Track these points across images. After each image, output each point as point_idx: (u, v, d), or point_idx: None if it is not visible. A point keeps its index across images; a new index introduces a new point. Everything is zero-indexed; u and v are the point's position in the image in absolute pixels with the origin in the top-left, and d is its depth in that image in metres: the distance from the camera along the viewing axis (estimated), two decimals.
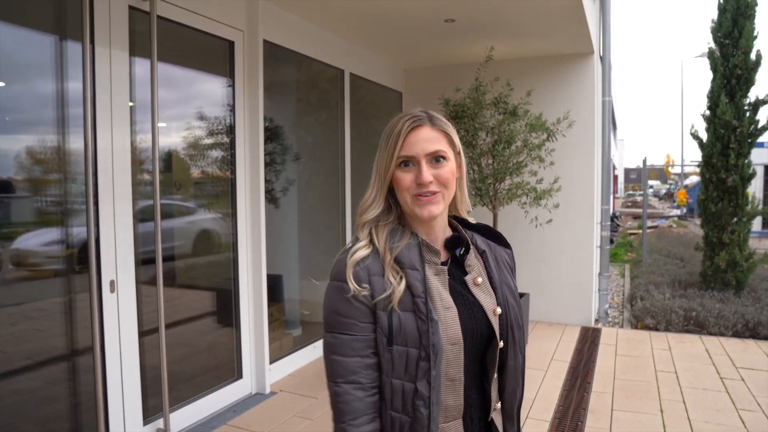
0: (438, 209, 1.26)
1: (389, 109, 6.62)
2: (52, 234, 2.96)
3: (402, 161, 1.25)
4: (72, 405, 3.01)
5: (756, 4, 7.09)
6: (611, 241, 13.03)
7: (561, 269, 6.06)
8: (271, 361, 4.29)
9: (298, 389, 4.28)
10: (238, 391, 4.04)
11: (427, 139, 1.25)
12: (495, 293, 1.31)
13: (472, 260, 1.33)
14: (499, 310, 1.29)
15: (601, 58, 6.35)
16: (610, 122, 6.51)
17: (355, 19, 4.84)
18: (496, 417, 1.33)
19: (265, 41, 4.21)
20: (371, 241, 1.26)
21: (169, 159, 3.75)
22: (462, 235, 1.35)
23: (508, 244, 1.45)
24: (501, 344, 1.29)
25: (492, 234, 1.41)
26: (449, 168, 1.27)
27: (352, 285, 1.19)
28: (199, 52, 3.95)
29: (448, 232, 1.35)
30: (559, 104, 5.82)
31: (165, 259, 3.43)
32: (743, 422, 3.80)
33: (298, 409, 3.93)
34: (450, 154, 1.28)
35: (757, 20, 7.11)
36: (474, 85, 4.88)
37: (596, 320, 6.27)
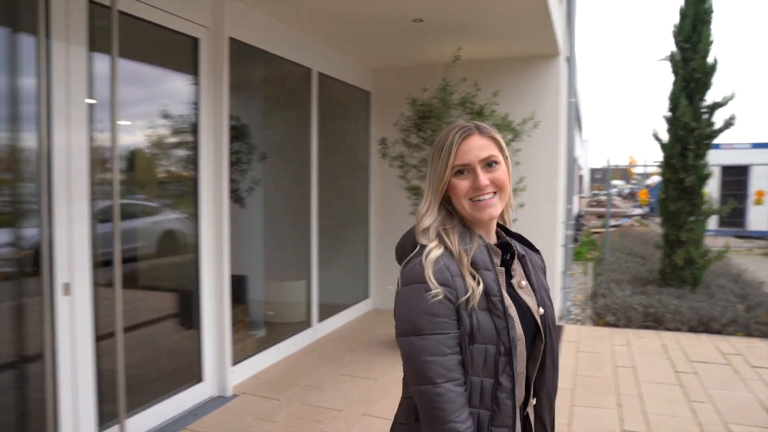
0: (497, 210, 1.35)
1: (357, 109, 6.62)
2: (2, 236, 2.87)
3: (458, 170, 1.33)
4: (20, 414, 2.92)
5: (712, 11, 7.30)
6: (575, 240, 13.29)
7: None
8: (234, 363, 4.25)
9: (261, 391, 4.25)
10: (198, 394, 3.98)
11: (479, 147, 1.33)
12: (534, 295, 1.40)
13: (516, 264, 1.41)
14: (542, 310, 1.38)
15: (567, 59, 6.46)
16: (575, 123, 6.63)
17: (323, 18, 4.82)
18: (531, 411, 1.43)
19: (231, 39, 4.16)
20: (441, 242, 1.31)
21: (131, 158, 3.68)
22: (506, 240, 1.43)
23: (538, 250, 1.52)
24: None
25: (525, 240, 1.50)
26: (503, 170, 1.36)
27: (436, 285, 1.24)
28: (163, 49, 3.88)
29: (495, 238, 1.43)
30: (525, 105, 5.91)
31: (126, 261, 3.36)
32: (694, 413, 3.92)
33: (260, 411, 3.90)
34: (500, 158, 1.36)
35: (714, 26, 7.31)
36: (441, 85, 4.92)
37: (559, 318, 6.39)
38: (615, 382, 4.50)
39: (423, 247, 1.31)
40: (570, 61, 6.48)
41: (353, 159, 6.61)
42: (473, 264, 1.29)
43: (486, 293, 1.27)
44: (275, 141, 5.44)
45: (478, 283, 1.27)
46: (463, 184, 1.33)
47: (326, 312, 5.80)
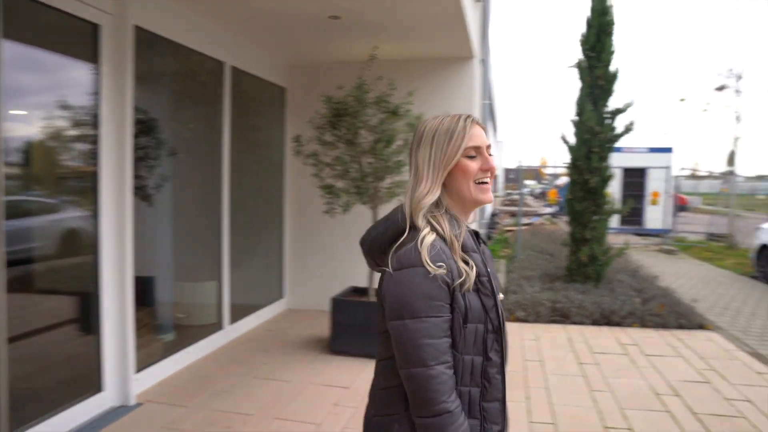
0: (492, 195, 1.45)
1: (272, 105, 6.48)
2: None
3: (469, 153, 1.39)
4: None
5: (614, 23, 7.72)
6: (489, 238, 13.70)
7: None
8: (138, 370, 4.02)
9: (167, 398, 4.05)
10: (98, 405, 3.71)
11: (484, 134, 1.44)
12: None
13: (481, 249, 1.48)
14: (501, 296, 1.46)
15: (481, 62, 6.62)
16: (489, 124, 6.81)
17: (237, 11, 4.67)
18: None
19: (136, 27, 3.93)
20: (433, 229, 1.34)
21: (26, 151, 3.40)
22: (472, 228, 1.48)
23: (485, 241, 1.58)
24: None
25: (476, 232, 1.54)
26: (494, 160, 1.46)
27: (434, 267, 1.26)
28: (61, 34, 3.60)
29: None
30: (439, 105, 6.00)
31: (17, 262, 3.11)
32: (595, 402, 4.14)
33: (165, 419, 3.71)
34: None
35: (617, 37, 7.75)
36: (357, 83, 4.90)
37: None
38: (524, 376, 4.66)
39: (414, 231, 1.33)
40: (484, 63, 6.65)
41: (267, 156, 6.47)
42: (463, 248, 1.35)
43: (476, 274, 1.33)
44: (185, 136, 5.22)
45: (471, 267, 1.33)
46: (473, 165, 1.39)
47: (239, 313, 5.63)
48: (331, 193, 5.01)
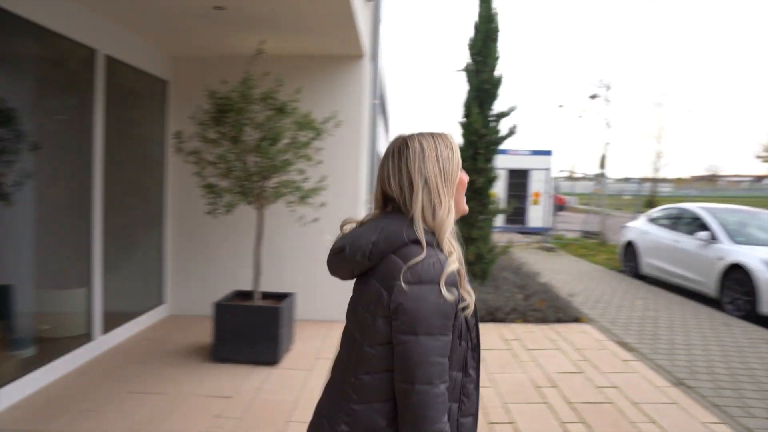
0: None
1: (152, 99, 6.07)
2: None
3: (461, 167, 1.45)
4: None
5: (499, 30, 8.04)
6: None
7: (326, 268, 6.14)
8: None
9: (23, 423, 3.63)
10: None
11: None
12: None
13: None
14: None
15: (372, 61, 6.60)
16: (380, 124, 6.82)
17: None
18: None
19: None
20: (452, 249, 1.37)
21: None
22: None
23: None
24: None
25: None
26: None
27: (449, 291, 1.28)
28: None
29: None
30: (328, 103, 5.92)
31: None
32: (481, 398, 4.23)
33: None
34: None
35: (503, 44, 8.07)
36: (243, 78, 4.69)
37: None
38: None
39: (431, 248, 1.33)
40: (375, 62, 6.65)
41: (147, 153, 6.05)
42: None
43: None
44: (51, 129, 4.73)
45: (471, 294, 1.37)
46: (464, 177, 1.47)
47: (113, 322, 5.21)
48: (214, 192, 4.77)
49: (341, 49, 5.93)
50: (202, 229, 6.16)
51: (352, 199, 6.16)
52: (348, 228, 1.50)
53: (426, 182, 1.37)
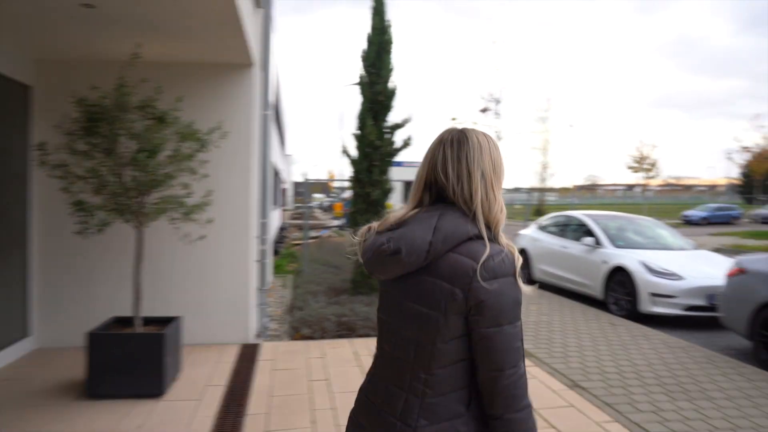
0: None
1: (12, 106, 5.42)
2: None
3: None
4: None
5: (392, 42, 8.07)
6: (276, 253, 13.45)
7: (217, 287, 5.78)
8: None
9: None
10: None
11: None
12: None
13: None
14: None
15: (263, 70, 6.34)
16: (269, 136, 6.56)
17: None
18: None
19: None
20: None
21: None
22: None
23: None
24: None
25: None
26: None
27: (521, 279, 1.38)
28: None
29: None
30: (213, 114, 5.60)
31: None
32: None
33: None
34: None
35: (395, 56, 8.09)
36: (117, 84, 4.29)
37: (257, 335, 6.21)
38: (310, 398, 4.47)
39: (493, 243, 1.37)
40: (266, 72, 6.39)
41: (5, 167, 5.38)
42: None
43: None
44: None
45: None
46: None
47: None
48: (84, 210, 4.30)
49: (228, 57, 5.63)
50: (74, 250, 5.55)
51: (242, 214, 5.84)
52: (377, 226, 1.50)
53: (483, 176, 1.40)
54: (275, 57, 10.86)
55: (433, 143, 1.49)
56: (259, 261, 6.23)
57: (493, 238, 1.39)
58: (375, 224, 1.51)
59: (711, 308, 7.40)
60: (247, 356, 5.48)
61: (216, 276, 5.77)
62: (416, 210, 1.46)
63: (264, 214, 6.37)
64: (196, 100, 5.52)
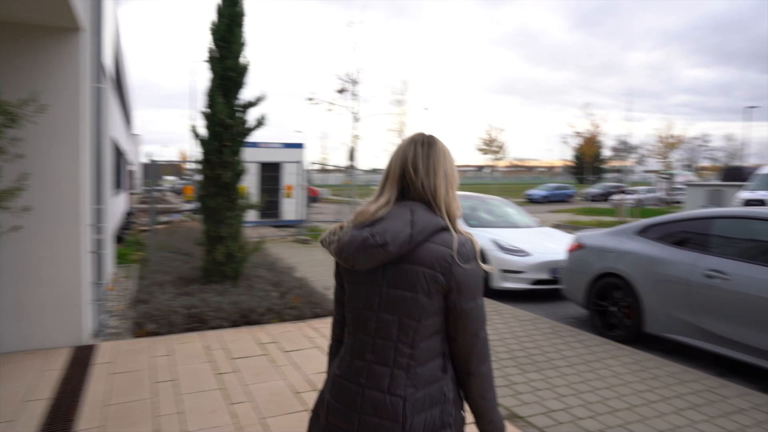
0: None
1: None
2: None
3: None
4: None
5: (244, 14, 7.56)
6: (120, 240, 12.32)
7: (39, 284, 5.03)
8: None
9: None
10: None
11: None
12: None
13: None
14: None
15: (94, 37, 5.59)
16: (106, 112, 5.84)
17: None
18: None
19: None
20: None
21: None
22: None
23: None
24: None
25: None
26: None
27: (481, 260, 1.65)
28: None
29: None
30: (29, 83, 4.81)
31: None
32: (234, 417, 3.83)
33: None
34: None
35: (248, 30, 7.59)
36: None
37: (95, 335, 5.55)
38: (153, 404, 4.04)
39: (456, 232, 1.61)
40: (97, 38, 5.64)
41: None
42: None
43: None
44: None
45: None
46: None
47: None
48: None
49: (47, 18, 4.86)
50: None
51: (71, 200, 5.12)
52: (350, 221, 1.66)
53: (445, 175, 1.64)
54: (112, 23, 9.78)
55: (404, 143, 1.68)
56: (94, 252, 5.55)
57: (455, 229, 1.61)
58: (346, 222, 1.67)
59: (554, 281, 7.97)
60: (80, 360, 4.87)
61: (37, 271, 5.01)
62: (386, 207, 1.61)
63: (100, 199, 5.67)
64: (4, 67, 4.71)
